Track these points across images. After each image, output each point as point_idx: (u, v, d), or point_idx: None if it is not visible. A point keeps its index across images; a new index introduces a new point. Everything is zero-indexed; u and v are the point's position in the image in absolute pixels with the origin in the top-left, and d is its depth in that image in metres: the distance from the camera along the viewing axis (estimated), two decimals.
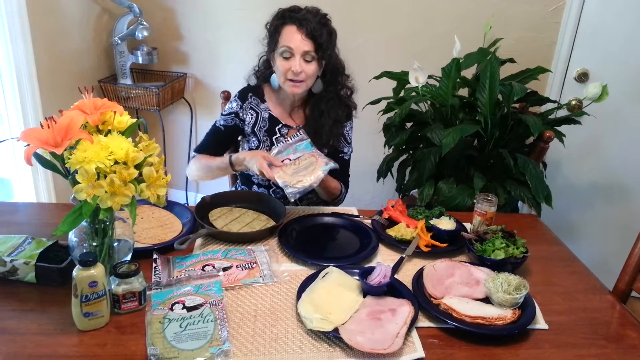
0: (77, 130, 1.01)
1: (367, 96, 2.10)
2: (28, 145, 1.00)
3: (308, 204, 1.83)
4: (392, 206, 1.62)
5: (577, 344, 1.13)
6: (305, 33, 1.56)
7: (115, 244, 1.18)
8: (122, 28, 2.71)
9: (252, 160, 1.54)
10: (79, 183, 1.00)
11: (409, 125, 2.31)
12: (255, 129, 1.74)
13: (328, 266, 1.29)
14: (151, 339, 1.03)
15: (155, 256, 1.31)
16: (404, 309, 1.15)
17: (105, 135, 1.06)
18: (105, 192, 1.01)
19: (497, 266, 1.33)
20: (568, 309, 1.25)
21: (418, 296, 1.21)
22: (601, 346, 1.13)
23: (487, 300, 1.22)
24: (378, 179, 2.38)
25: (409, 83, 2.09)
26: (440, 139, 1.93)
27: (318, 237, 1.53)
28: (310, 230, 1.54)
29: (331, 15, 1.65)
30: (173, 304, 1.12)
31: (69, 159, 1.00)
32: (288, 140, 1.67)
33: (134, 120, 1.14)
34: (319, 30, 1.57)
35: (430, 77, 2.15)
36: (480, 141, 2.16)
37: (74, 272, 1.03)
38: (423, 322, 1.16)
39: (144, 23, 2.69)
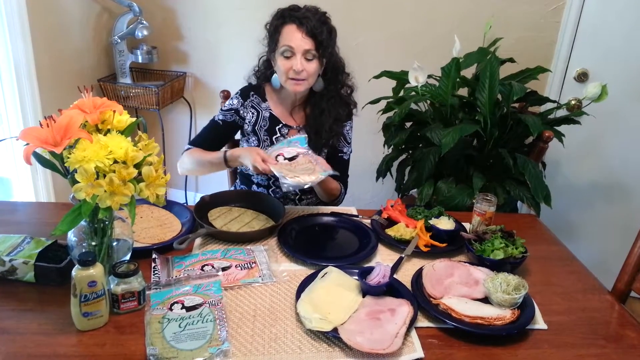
0: (77, 130, 1.01)
1: (366, 95, 2.10)
2: (27, 144, 1.00)
3: (307, 204, 1.83)
4: (392, 206, 1.62)
5: (576, 344, 1.13)
6: (305, 31, 1.56)
7: (115, 243, 1.18)
8: (122, 27, 2.71)
9: (246, 155, 1.52)
10: (78, 182, 1.00)
11: (408, 124, 2.31)
12: (256, 128, 1.74)
13: (327, 266, 1.29)
14: (150, 339, 1.03)
15: (154, 256, 1.31)
16: (403, 309, 1.15)
17: (105, 135, 1.06)
18: (105, 191, 1.01)
19: (496, 266, 1.33)
20: (567, 309, 1.25)
21: (417, 296, 1.21)
22: (600, 346, 1.13)
23: (486, 300, 1.22)
24: (377, 178, 2.38)
25: (409, 82, 2.09)
26: (439, 139, 1.93)
27: (317, 237, 1.53)
28: (309, 230, 1.54)
29: (331, 14, 1.65)
30: (172, 304, 1.12)
31: (68, 158, 1.00)
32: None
33: (134, 119, 1.14)
34: (319, 28, 1.57)
35: (429, 76, 2.15)
36: (479, 141, 2.16)
37: (73, 272, 1.03)
38: (422, 322, 1.16)
39: (144, 22, 2.69)
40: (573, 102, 2.26)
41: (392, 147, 2.30)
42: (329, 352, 1.05)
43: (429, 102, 2.23)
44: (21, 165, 2.33)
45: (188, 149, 1.72)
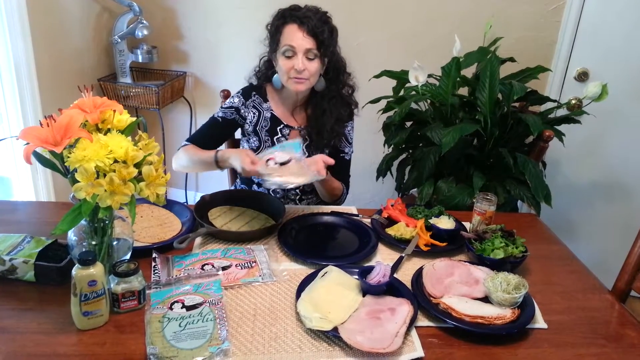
0: (77, 129, 1.01)
1: (367, 95, 2.10)
2: (27, 143, 1.00)
3: (308, 204, 1.83)
4: (392, 205, 1.62)
5: (576, 343, 1.13)
6: (306, 31, 1.56)
7: (115, 242, 1.18)
8: (122, 27, 2.71)
9: (236, 157, 1.49)
10: (78, 182, 1.00)
11: (408, 124, 2.31)
12: (257, 128, 1.74)
13: (327, 265, 1.29)
14: (150, 338, 1.03)
15: (154, 255, 1.31)
16: (404, 308, 1.15)
17: (105, 134, 1.06)
18: (105, 190, 1.01)
19: (497, 265, 1.33)
20: (567, 309, 1.25)
21: (417, 295, 1.21)
22: (600, 345, 1.13)
23: (486, 299, 1.22)
24: (377, 178, 2.38)
25: (409, 82, 2.09)
26: (440, 138, 1.93)
27: (317, 236, 1.53)
28: (309, 230, 1.54)
29: (332, 14, 1.65)
30: (172, 303, 1.12)
31: (69, 157, 1.00)
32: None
33: (134, 119, 1.14)
34: (320, 27, 1.57)
35: (430, 76, 2.15)
36: (479, 140, 2.16)
37: (73, 271, 1.03)
38: (422, 322, 1.16)
39: (144, 22, 2.69)
40: (573, 102, 2.26)
41: (392, 146, 2.30)
42: (329, 351, 1.05)
43: (429, 101, 2.23)
44: (21, 165, 2.33)
45: (185, 144, 1.70)
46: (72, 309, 1.05)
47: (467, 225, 1.58)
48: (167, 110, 3.07)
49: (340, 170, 1.77)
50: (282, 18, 1.61)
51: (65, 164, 1.02)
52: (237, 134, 1.86)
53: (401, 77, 2.23)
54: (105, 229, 1.13)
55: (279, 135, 1.74)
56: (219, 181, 2.26)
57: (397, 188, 2.38)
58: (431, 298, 1.21)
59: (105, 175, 1.01)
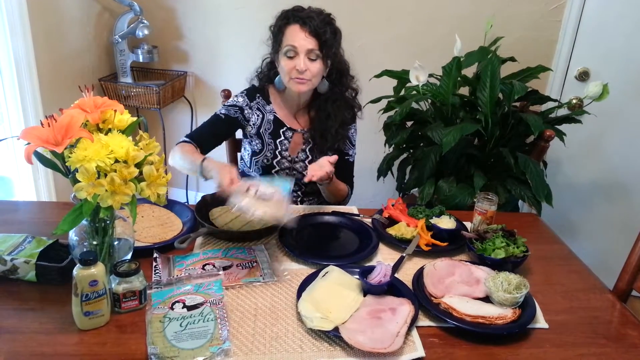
0: (78, 129, 1.01)
1: (367, 95, 2.09)
2: (28, 143, 1.00)
3: (310, 205, 1.83)
4: (393, 205, 1.62)
5: (577, 343, 1.13)
6: (308, 31, 1.56)
7: (116, 242, 1.18)
8: (123, 26, 2.71)
9: (218, 172, 1.42)
10: (79, 182, 1.00)
11: (409, 124, 2.31)
12: (261, 131, 1.73)
13: (328, 265, 1.29)
14: (151, 338, 1.03)
15: (155, 255, 1.31)
16: (404, 308, 1.15)
17: (106, 134, 1.06)
18: (106, 190, 1.01)
19: (498, 265, 1.33)
20: (568, 308, 1.25)
21: (418, 295, 1.21)
22: (601, 345, 1.13)
23: (487, 299, 1.22)
24: (378, 177, 2.38)
25: (410, 82, 2.09)
26: (440, 138, 1.93)
27: (318, 236, 1.53)
28: (310, 229, 1.54)
29: (335, 16, 1.64)
30: (173, 303, 1.12)
31: (70, 157, 1.00)
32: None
33: (135, 118, 1.13)
34: (323, 28, 1.56)
35: (431, 75, 2.15)
36: (480, 140, 2.16)
37: (75, 271, 1.03)
38: (423, 321, 1.16)
39: (145, 21, 2.69)
40: (574, 101, 2.26)
41: (393, 146, 2.30)
42: (330, 351, 1.05)
43: (430, 101, 2.23)
44: (22, 165, 2.33)
45: (183, 141, 1.65)
46: (73, 309, 1.05)
47: (468, 225, 1.58)
48: (168, 110, 3.07)
49: (345, 172, 1.77)
50: (285, 18, 1.60)
51: (66, 164, 1.02)
52: (238, 134, 1.85)
53: (402, 77, 2.23)
54: (106, 229, 1.13)
55: (282, 138, 1.73)
56: None
57: (397, 188, 2.38)
58: (432, 298, 1.21)
59: (106, 175, 1.01)
